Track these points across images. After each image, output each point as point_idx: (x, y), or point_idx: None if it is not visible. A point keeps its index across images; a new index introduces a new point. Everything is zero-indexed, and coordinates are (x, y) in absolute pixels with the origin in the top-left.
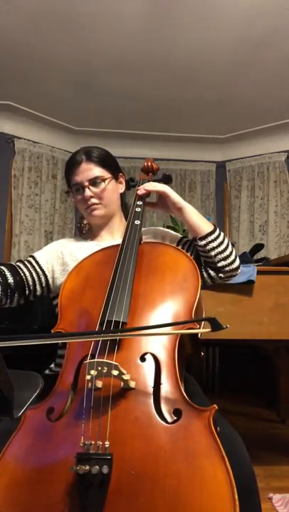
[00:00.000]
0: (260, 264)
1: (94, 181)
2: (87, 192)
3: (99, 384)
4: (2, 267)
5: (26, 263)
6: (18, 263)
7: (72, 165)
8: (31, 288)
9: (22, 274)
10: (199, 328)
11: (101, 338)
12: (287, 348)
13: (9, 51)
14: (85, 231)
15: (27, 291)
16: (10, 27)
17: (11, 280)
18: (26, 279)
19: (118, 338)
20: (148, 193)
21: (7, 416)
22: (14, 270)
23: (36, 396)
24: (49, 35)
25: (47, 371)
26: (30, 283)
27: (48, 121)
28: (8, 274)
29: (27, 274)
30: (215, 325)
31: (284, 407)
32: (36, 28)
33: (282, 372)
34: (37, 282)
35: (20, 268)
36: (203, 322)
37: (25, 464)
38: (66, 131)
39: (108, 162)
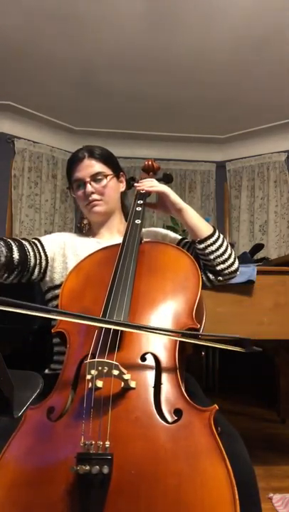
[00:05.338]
0: (260, 264)
1: (95, 177)
2: (89, 187)
3: (99, 384)
4: (10, 241)
5: (32, 244)
6: (23, 241)
7: (74, 161)
8: (30, 269)
9: (27, 253)
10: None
11: (102, 325)
12: (287, 348)
13: (9, 51)
14: (85, 231)
15: (25, 271)
16: (10, 27)
17: (16, 255)
18: (29, 259)
19: (117, 329)
20: (148, 193)
21: (7, 416)
22: (21, 247)
23: (36, 396)
24: (49, 35)
25: (47, 371)
26: (32, 263)
27: (48, 121)
28: (15, 249)
29: (31, 253)
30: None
31: (284, 407)
32: (36, 27)
33: (282, 372)
34: (37, 265)
35: (25, 246)
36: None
37: (25, 464)
38: (66, 131)
39: (110, 160)
